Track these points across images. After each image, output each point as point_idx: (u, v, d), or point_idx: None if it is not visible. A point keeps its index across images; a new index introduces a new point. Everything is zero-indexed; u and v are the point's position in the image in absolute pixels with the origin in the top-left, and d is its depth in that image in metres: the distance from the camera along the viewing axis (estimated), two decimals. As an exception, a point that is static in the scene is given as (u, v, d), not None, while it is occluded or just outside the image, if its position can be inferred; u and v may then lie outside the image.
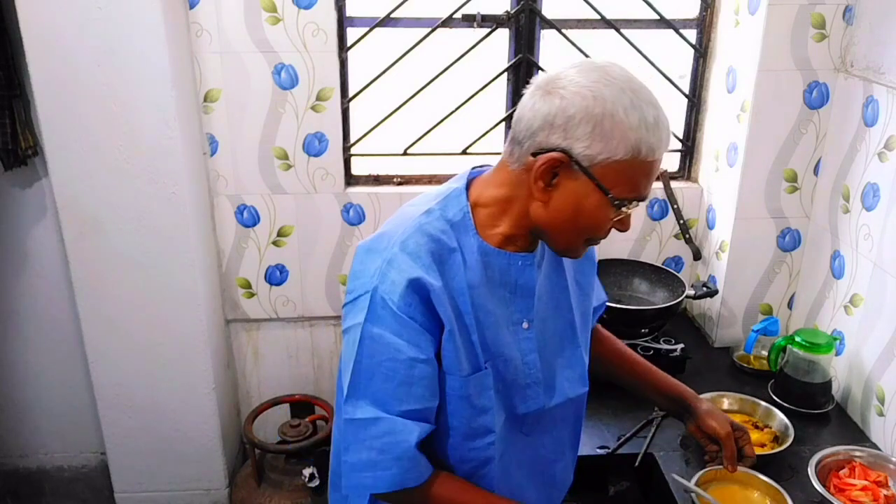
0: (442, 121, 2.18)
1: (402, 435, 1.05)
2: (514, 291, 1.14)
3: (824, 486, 1.53)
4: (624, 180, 1.01)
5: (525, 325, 1.16)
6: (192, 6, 1.93)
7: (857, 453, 1.62)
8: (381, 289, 1.03)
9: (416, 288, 1.03)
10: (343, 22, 2.04)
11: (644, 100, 0.99)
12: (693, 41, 2.17)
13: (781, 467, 1.65)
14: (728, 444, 1.32)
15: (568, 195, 1.03)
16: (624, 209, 1.03)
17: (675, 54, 2.21)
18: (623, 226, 1.08)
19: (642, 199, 1.05)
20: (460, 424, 1.12)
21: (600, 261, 1.79)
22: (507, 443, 1.20)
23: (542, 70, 2.13)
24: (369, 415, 1.05)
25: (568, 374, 1.24)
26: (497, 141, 2.24)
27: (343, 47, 2.06)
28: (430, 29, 2.07)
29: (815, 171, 2.04)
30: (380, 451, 1.05)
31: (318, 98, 2.05)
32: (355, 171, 2.23)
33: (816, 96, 1.96)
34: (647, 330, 2.05)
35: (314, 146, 2.10)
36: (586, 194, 1.02)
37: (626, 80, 1.00)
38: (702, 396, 1.41)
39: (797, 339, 1.85)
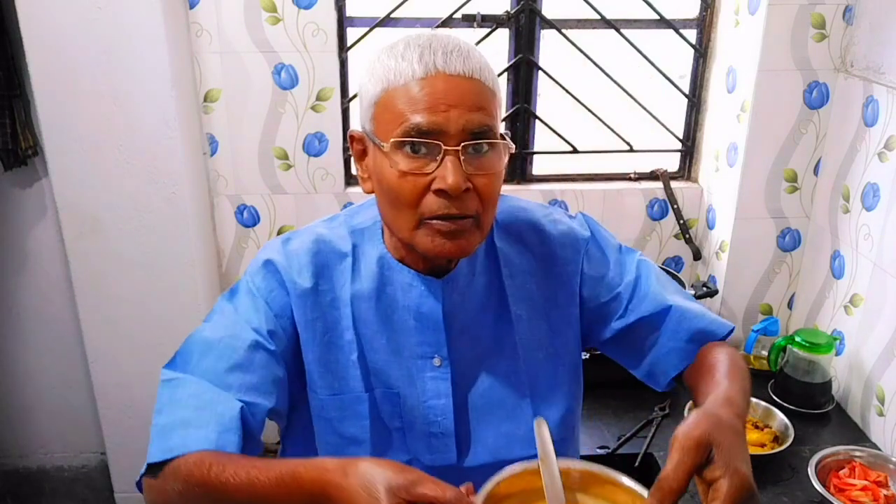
0: (442, 121, 2.17)
1: (225, 398, 0.88)
2: (418, 319, 0.97)
3: (824, 486, 1.53)
4: (386, 120, 0.88)
5: (437, 361, 0.98)
6: (192, 6, 1.93)
7: (857, 453, 1.62)
8: (249, 271, 1.00)
9: (273, 273, 0.97)
10: (343, 22, 2.04)
11: (408, 38, 0.90)
12: (693, 41, 2.17)
13: (781, 467, 1.65)
14: (673, 459, 0.72)
15: (371, 169, 0.94)
16: (389, 145, 0.87)
17: (675, 54, 2.21)
18: (443, 182, 0.85)
19: (414, 132, 0.86)
20: (326, 452, 0.99)
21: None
22: None
23: (542, 70, 2.13)
24: (192, 379, 0.91)
25: (506, 429, 1.01)
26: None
27: (343, 47, 2.06)
28: (429, 29, 2.07)
29: (815, 171, 2.04)
30: (196, 408, 0.87)
31: (318, 98, 2.05)
32: (355, 171, 2.22)
33: (816, 96, 1.96)
34: (647, 330, 2.04)
35: (314, 146, 2.10)
36: (375, 156, 0.92)
37: (406, 35, 0.92)
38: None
39: (797, 339, 1.86)
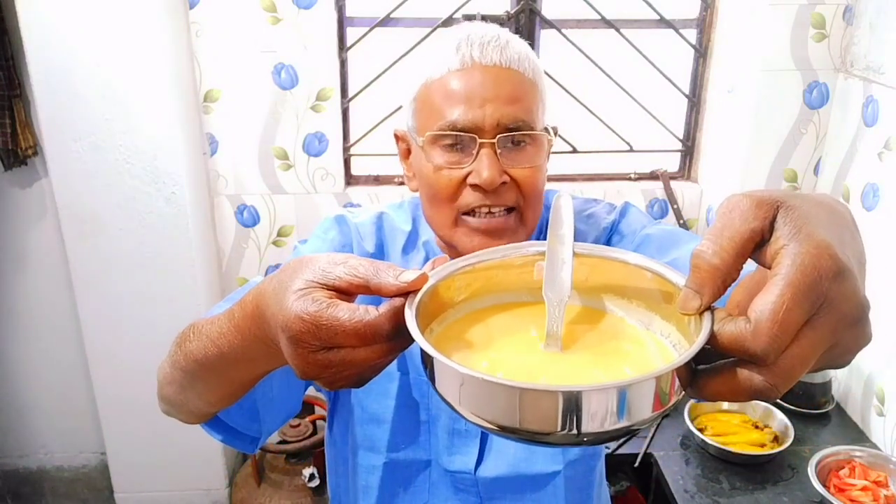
0: (442, 121, 2.18)
1: None
2: None
3: (824, 486, 1.53)
4: (424, 115, 0.88)
5: None
6: (192, 6, 1.93)
7: (857, 453, 1.62)
8: (320, 226, 1.00)
9: (345, 231, 0.97)
10: (343, 22, 2.04)
11: (448, 31, 0.90)
12: (693, 41, 2.17)
13: (781, 467, 1.65)
14: (715, 226, 0.46)
15: (414, 166, 0.94)
16: (424, 139, 0.88)
17: (675, 54, 2.21)
18: (478, 177, 0.85)
19: (449, 128, 0.85)
20: (349, 426, 0.98)
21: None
22: None
23: (542, 70, 2.13)
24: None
25: None
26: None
27: (343, 47, 2.06)
28: (430, 29, 2.07)
29: (815, 171, 2.04)
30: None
31: (318, 98, 2.05)
32: (355, 171, 2.23)
33: (816, 96, 1.96)
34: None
35: (314, 146, 2.10)
36: (416, 152, 0.92)
37: (447, 28, 0.92)
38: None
39: (797, 339, 1.85)
